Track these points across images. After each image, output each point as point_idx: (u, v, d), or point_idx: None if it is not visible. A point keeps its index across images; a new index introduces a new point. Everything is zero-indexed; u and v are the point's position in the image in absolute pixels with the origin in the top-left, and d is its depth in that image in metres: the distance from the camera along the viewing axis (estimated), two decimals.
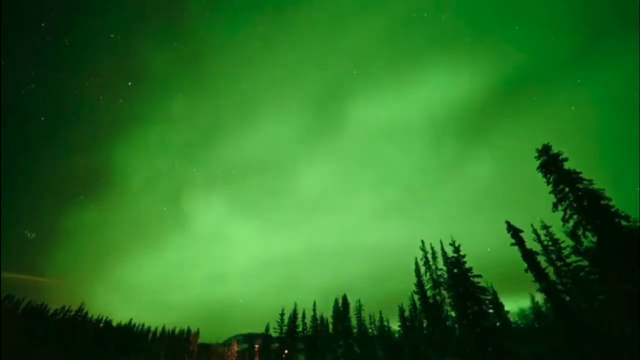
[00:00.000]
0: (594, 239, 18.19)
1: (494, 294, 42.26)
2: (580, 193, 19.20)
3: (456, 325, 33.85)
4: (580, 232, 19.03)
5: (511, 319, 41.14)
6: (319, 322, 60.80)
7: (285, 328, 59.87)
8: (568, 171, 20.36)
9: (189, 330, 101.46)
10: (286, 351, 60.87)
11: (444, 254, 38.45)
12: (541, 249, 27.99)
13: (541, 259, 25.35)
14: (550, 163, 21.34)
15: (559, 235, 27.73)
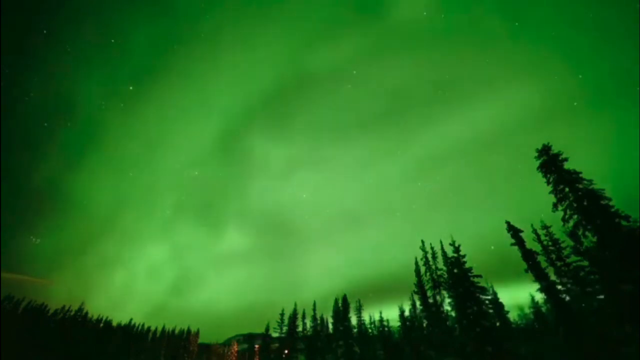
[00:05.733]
0: (594, 239, 18.16)
1: (494, 294, 42.27)
2: (580, 193, 19.17)
3: (456, 325, 33.81)
4: (580, 232, 18.99)
5: (511, 319, 41.10)
6: (319, 322, 60.76)
7: (285, 328, 59.81)
8: (568, 171, 20.33)
9: (188, 330, 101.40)
10: (286, 351, 60.82)
11: (444, 254, 38.42)
12: (541, 249, 27.98)
13: (541, 259, 25.34)
14: (550, 163, 21.31)
15: (559, 235, 27.73)
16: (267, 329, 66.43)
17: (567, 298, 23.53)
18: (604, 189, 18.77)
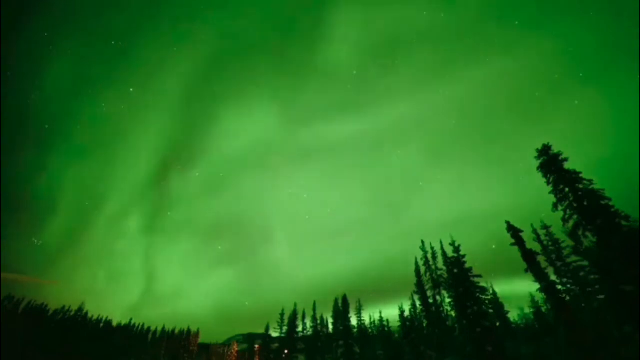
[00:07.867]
0: (594, 239, 18.16)
1: (494, 294, 42.27)
2: (580, 193, 19.16)
3: (456, 325, 33.84)
4: (580, 232, 18.98)
5: (511, 319, 41.11)
6: (319, 322, 60.79)
7: (285, 328, 59.88)
8: (568, 171, 20.31)
9: (189, 330, 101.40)
10: (286, 351, 60.85)
11: (444, 254, 38.44)
12: (541, 249, 28.00)
13: (541, 259, 25.32)
14: (550, 163, 21.30)
15: (559, 235, 27.76)
16: (267, 329, 66.49)
17: (567, 298, 23.54)
18: (603, 189, 18.76)
